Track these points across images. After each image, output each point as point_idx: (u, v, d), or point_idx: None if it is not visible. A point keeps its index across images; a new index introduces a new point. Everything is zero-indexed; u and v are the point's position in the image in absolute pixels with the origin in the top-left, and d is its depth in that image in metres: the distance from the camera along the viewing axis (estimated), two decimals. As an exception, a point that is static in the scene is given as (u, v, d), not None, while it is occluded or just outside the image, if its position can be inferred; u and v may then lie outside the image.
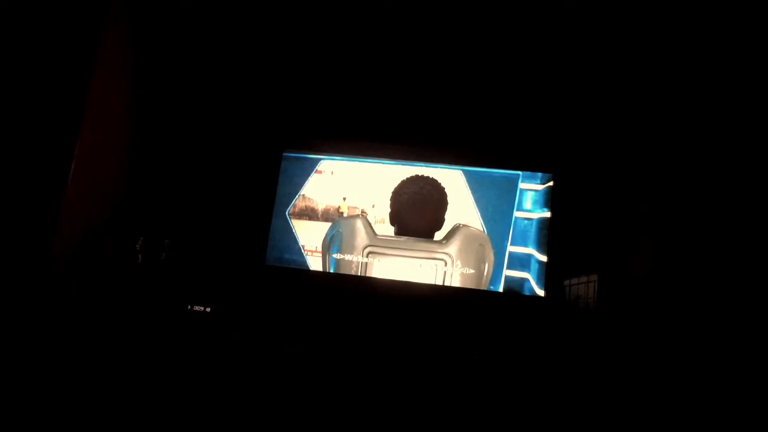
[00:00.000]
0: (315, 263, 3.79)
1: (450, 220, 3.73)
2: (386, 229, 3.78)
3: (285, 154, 3.93)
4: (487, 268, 3.64)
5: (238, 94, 3.87)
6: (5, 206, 2.72)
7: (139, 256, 3.01)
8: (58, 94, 2.86)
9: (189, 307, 3.05)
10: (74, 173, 2.81)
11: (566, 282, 3.53)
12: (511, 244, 3.64)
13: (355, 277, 3.69)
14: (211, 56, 3.77)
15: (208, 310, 3.06)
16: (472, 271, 3.63)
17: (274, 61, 3.78)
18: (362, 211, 3.79)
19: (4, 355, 2.52)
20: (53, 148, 2.79)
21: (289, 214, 3.87)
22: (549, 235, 3.55)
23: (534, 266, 3.58)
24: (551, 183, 3.62)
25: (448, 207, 3.75)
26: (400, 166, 3.84)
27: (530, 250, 3.61)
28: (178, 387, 2.87)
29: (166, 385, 2.85)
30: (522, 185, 3.69)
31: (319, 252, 3.79)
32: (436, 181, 3.80)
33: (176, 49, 3.64)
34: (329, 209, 3.85)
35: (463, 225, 3.70)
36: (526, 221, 3.65)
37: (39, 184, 2.74)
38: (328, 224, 3.82)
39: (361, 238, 3.76)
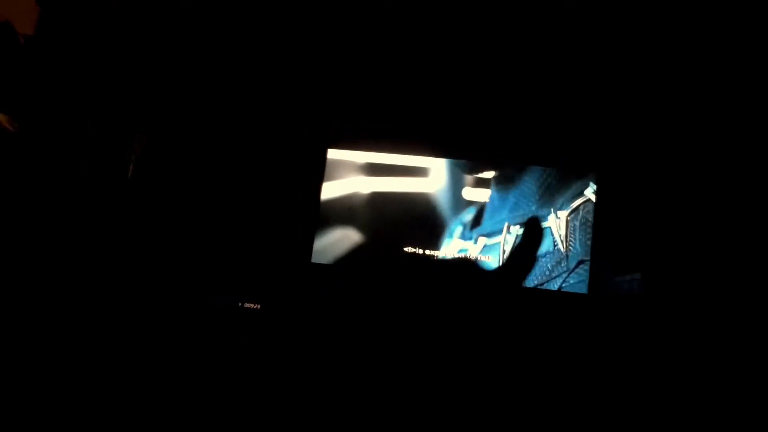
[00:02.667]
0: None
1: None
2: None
3: (330, 150, 3.95)
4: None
5: (284, 94, 3.86)
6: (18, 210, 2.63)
7: (189, 252, 3.12)
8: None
9: (240, 303, 3.17)
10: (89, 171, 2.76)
11: (610, 280, 3.51)
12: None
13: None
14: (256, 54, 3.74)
15: (258, 306, 3.17)
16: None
17: (327, 60, 3.72)
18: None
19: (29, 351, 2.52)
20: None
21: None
22: (593, 232, 3.51)
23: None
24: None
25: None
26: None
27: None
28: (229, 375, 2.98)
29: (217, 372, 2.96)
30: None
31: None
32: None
33: (215, 46, 3.58)
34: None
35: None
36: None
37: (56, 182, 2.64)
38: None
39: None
